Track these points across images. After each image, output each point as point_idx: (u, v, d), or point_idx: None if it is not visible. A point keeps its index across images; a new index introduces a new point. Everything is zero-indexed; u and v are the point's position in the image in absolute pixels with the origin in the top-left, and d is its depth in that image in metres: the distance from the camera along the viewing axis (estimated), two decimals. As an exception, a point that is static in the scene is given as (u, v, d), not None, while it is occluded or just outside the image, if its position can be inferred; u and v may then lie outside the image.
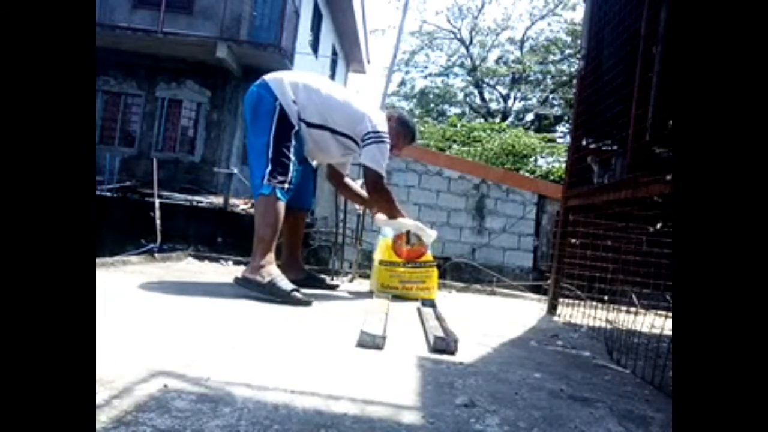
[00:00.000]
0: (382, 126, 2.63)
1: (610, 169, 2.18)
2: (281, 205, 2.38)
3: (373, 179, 2.65)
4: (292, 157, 2.43)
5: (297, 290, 2.23)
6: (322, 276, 3.04)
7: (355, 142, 2.63)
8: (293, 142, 2.46)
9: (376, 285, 2.83)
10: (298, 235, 2.90)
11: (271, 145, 2.39)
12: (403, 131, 2.87)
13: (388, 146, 2.65)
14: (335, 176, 3.00)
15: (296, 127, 2.48)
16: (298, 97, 2.49)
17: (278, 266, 2.38)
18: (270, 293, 2.19)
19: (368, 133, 2.58)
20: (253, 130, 2.49)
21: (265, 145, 2.39)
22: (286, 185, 2.38)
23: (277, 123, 2.42)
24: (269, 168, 2.37)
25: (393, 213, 2.81)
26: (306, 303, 2.19)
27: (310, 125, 2.53)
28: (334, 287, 2.89)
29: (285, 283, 2.23)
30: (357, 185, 3.05)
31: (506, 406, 1.11)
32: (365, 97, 2.79)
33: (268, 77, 2.54)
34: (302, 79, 2.59)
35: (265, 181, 2.35)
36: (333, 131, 2.59)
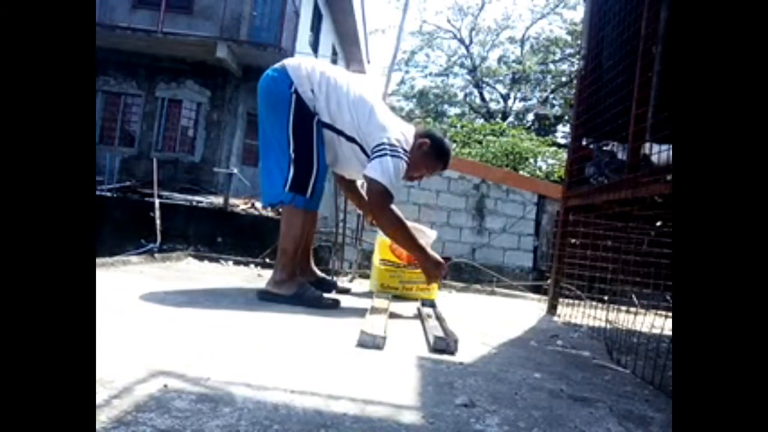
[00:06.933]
0: (402, 142, 2.21)
1: (615, 162, 2.18)
2: (305, 215, 2.22)
3: (377, 195, 2.17)
4: (315, 154, 2.18)
5: (323, 295, 2.21)
6: (334, 279, 2.86)
7: (368, 155, 2.23)
8: (315, 135, 2.18)
9: (376, 285, 2.82)
10: (308, 237, 2.61)
11: (291, 142, 2.16)
12: (434, 154, 2.34)
13: (404, 164, 2.18)
14: (345, 180, 2.71)
15: (317, 117, 2.20)
16: (314, 86, 2.19)
17: None
18: (298, 303, 2.11)
19: (382, 144, 2.15)
20: (268, 121, 2.24)
21: (285, 142, 2.17)
22: (309, 190, 2.18)
23: (294, 114, 2.16)
24: (291, 172, 2.16)
25: (408, 244, 2.32)
26: (335, 306, 2.17)
27: (319, 123, 2.23)
28: (345, 291, 2.71)
29: (311, 291, 2.19)
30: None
31: (506, 406, 1.11)
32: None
33: (287, 61, 2.27)
34: (323, 67, 2.28)
35: (287, 188, 2.16)
36: (341, 133, 2.24)
